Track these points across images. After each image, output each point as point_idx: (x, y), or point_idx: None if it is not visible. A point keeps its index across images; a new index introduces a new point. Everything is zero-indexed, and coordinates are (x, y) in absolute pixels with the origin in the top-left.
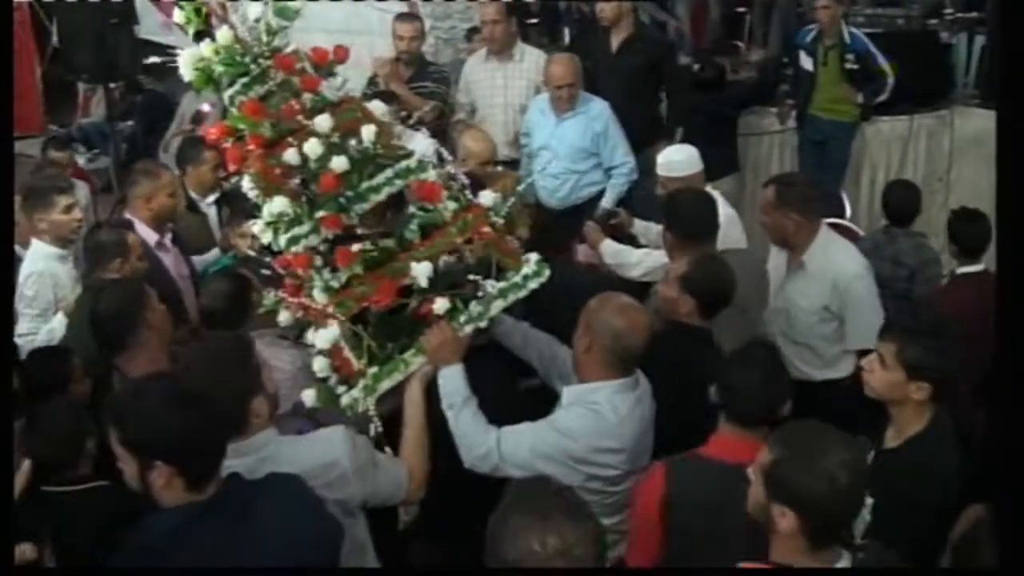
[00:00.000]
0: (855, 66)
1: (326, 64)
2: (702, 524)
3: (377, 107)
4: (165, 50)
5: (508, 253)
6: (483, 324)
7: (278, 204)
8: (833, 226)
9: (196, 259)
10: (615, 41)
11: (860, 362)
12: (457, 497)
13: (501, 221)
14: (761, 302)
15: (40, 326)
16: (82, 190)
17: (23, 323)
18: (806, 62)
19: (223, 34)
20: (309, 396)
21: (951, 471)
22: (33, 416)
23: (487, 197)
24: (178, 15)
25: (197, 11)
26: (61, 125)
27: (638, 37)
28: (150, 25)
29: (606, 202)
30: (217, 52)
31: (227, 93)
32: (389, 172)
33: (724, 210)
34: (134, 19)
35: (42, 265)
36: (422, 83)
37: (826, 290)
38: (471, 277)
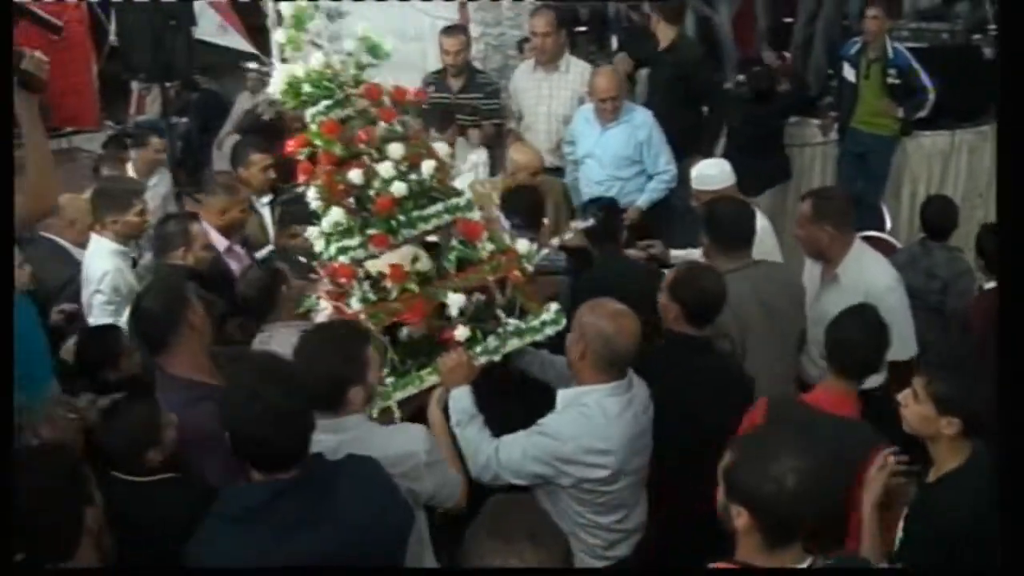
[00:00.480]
0: (897, 81)
1: (404, 102)
2: None
3: (440, 148)
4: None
5: (532, 298)
6: (497, 358)
7: (335, 214)
8: (872, 238)
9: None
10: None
11: (899, 397)
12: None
13: (531, 268)
14: (797, 313)
15: (116, 320)
16: (166, 177)
17: (102, 319)
18: (849, 74)
19: (316, 58)
20: None
21: (989, 509)
22: (110, 409)
23: (523, 245)
24: (281, 35)
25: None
26: (117, 121)
27: (671, 49)
28: (207, 26)
29: (641, 203)
30: (309, 74)
31: (310, 111)
32: (440, 206)
33: (760, 222)
34: (192, 21)
35: (111, 263)
36: (473, 94)
37: (858, 301)
38: (496, 313)
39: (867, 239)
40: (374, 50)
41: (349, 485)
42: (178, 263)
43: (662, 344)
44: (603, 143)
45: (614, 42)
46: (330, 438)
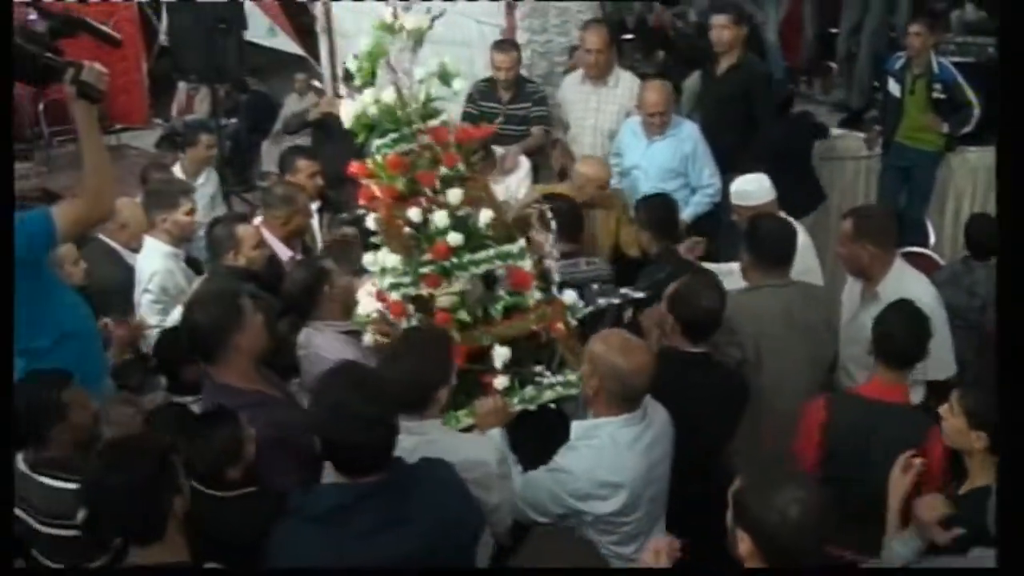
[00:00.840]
0: (942, 96)
1: (468, 142)
2: (852, 449)
3: (498, 190)
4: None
5: (572, 352)
6: (532, 407)
7: (391, 260)
8: (914, 255)
9: None
10: (722, 66)
11: (940, 410)
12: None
13: (575, 322)
14: (831, 337)
15: (163, 319)
16: (213, 177)
17: (150, 317)
18: (894, 88)
19: (387, 92)
20: None
21: None
22: (192, 427)
23: (569, 296)
24: (351, 63)
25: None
26: (165, 120)
27: (741, 66)
28: (256, 28)
29: (685, 216)
30: (377, 102)
31: (376, 142)
32: (492, 251)
33: (800, 239)
34: (243, 23)
35: (161, 263)
36: (523, 104)
37: None
38: (536, 368)
39: (910, 255)
40: (445, 77)
41: (427, 489)
42: (231, 264)
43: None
44: (649, 156)
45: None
46: (409, 439)
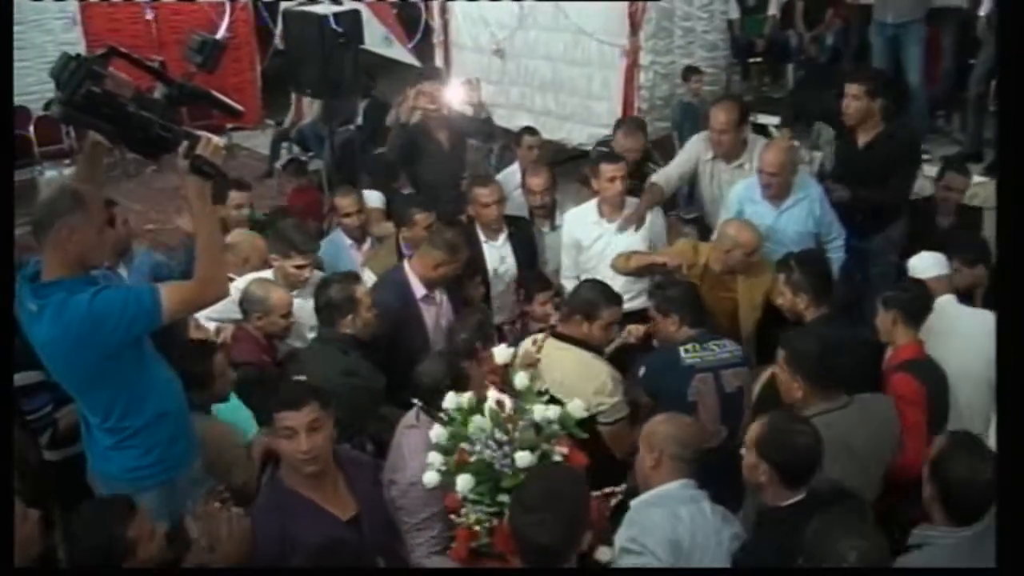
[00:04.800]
0: None
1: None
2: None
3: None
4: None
5: None
6: None
7: None
8: None
9: None
10: (862, 137)
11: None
12: None
13: None
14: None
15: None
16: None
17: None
18: None
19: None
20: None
21: None
22: None
23: None
24: (451, 400)
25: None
26: (278, 123)
27: (891, 137)
28: (371, 37)
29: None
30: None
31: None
32: None
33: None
34: (360, 38)
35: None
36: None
37: None
38: None
39: None
40: (565, 420)
41: None
42: (348, 331)
43: (760, 524)
44: (782, 224)
45: (790, 73)
46: None
